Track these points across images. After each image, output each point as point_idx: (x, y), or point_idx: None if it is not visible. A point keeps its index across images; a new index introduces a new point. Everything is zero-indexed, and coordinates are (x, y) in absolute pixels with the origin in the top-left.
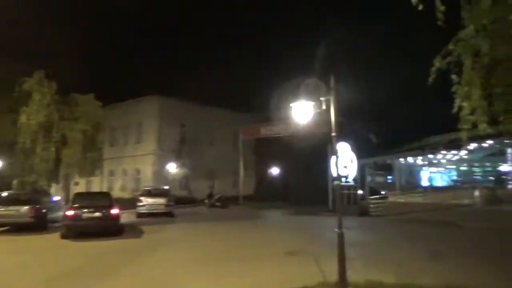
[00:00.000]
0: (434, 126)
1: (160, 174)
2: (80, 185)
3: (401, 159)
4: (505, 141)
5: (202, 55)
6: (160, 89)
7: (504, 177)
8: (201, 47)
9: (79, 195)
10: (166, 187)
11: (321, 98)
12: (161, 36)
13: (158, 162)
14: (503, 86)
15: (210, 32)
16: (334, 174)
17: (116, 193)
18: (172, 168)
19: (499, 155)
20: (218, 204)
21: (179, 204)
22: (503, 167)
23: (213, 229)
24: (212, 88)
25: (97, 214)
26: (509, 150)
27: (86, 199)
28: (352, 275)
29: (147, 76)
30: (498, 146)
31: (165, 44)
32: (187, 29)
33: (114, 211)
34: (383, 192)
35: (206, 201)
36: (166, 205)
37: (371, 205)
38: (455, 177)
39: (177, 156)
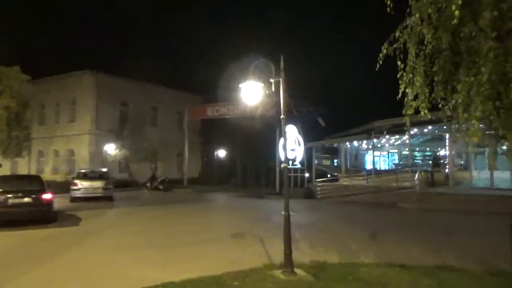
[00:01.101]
0: (380, 111)
1: (97, 155)
2: (4, 167)
3: (347, 143)
4: (444, 127)
5: (146, 31)
6: (97, 64)
7: (441, 161)
8: (145, 22)
9: (3, 179)
10: (104, 169)
11: (271, 80)
12: (100, 8)
13: (95, 143)
14: (443, 74)
15: (154, 5)
16: (282, 157)
17: (47, 176)
18: (110, 149)
19: (438, 140)
20: (161, 187)
21: (118, 188)
22: (441, 152)
23: (155, 213)
24: (157, 66)
25: (26, 199)
26: (447, 136)
27: (13, 183)
28: (297, 256)
29: (83, 51)
30: (437, 131)
31: (105, 17)
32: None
33: (46, 196)
34: (329, 175)
35: (148, 184)
36: (104, 189)
37: (318, 188)
38: (397, 161)
39: (117, 136)
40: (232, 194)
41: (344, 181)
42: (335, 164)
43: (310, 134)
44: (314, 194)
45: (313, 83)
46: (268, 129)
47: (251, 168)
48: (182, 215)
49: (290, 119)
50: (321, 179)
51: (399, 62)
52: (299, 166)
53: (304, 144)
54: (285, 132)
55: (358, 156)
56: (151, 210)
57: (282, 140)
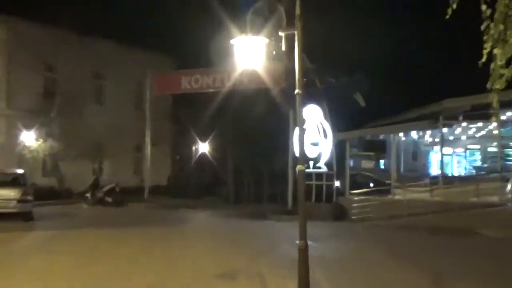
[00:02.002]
0: (451, 86)
1: (8, 148)
2: None
3: (401, 134)
4: None
5: None
6: (11, 6)
7: None
8: None
9: None
10: (20, 171)
11: (281, 33)
12: None
13: (6, 129)
14: None
15: None
16: (297, 155)
17: None
18: (30, 139)
19: None
20: (108, 200)
21: (42, 200)
22: None
23: (98, 241)
24: (105, 12)
25: None
26: None
27: None
28: None
29: None
30: None
31: None
32: None
33: None
34: (371, 185)
35: (88, 195)
36: (20, 201)
37: (353, 204)
38: (479, 163)
39: (40, 119)
40: (220, 212)
41: (396, 194)
42: (382, 166)
43: (342, 120)
44: (348, 214)
45: (348, 42)
46: (276, 112)
47: (249, 171)
48: (139, 245)
49: (311, 96)
50: (359, 191)
51: (483, 7)
52: (324, 169)
53: (333, 136)
54: (302, 117)
55: (417, 155)
56: (91, 236)
57: (297, 129)
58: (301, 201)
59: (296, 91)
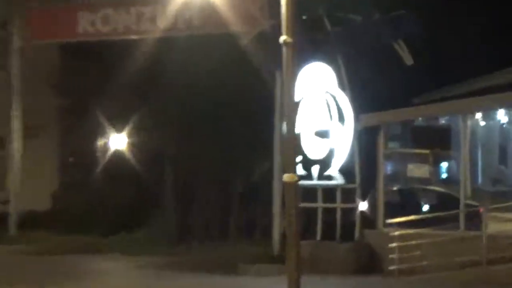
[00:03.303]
0: None
1: None
2: None
3: (479, 115)
4: None
5: None
6: None
7: None
8: None
9: None
10: None
11: None
12: None
13: None
14: None
15: None
16: (287, 156)
17: None
18: None
19: None
20: None
21: None
22: None
23: None
24: None
25: None
26: None
27: None
28: None
29: None
30: None
31: None
32: None
33: None
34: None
35: None
36: None
37: (392, 244)
38: None
39: None
40: (153, 260)
41: (471, 224)
42: (443, 172)
43: (372, 91)
44: (382, 261)
45: None
46: (252, 78)
47: (206, 185)
48: None
49: (315, 48)
50: (402, 219)
51: None
52: (339, 180)
53: (356, 120)
54: (294, 86)
55: (508, 154)
56: None
57: (287, 106)
58: (292, 239)
59: (283, 38)
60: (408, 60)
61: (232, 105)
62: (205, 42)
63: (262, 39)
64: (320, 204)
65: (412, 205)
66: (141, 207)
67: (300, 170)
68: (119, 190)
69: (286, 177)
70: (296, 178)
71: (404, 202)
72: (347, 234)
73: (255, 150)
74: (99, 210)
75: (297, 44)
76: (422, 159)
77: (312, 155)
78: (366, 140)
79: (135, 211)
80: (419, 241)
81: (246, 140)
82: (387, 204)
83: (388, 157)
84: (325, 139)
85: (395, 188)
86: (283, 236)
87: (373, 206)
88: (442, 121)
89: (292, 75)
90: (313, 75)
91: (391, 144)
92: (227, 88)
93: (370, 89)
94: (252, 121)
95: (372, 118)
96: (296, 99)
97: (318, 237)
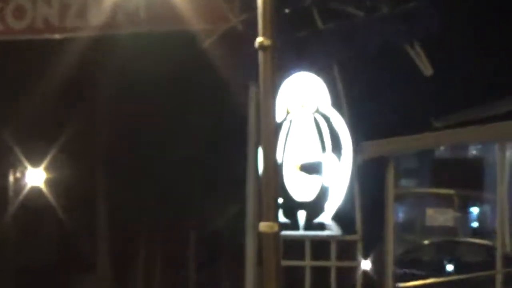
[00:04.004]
0: None
1: None
2: None
3: None
4: None
5: None
6: None
7: None
8: None
9: None
10: None
11: None
12: None
13: None
14: None
15: None
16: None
17: None
18: None
19: None
20: None
21: None
22: None
23: None
24: None
25: None
26: None
27: None
28: None
29: None
30: None
31: None
32: None
33: None
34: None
35: None
36: None
37: None
38: None
39: None
40: None
41: None
42: (473, 220)
43: (378, 110)
44: None
45: None
46: (217, 92)
47: (154, 237)
48: None
49: (301, 52)
50: (419, 283)
51: None
52: (334, 230)
53: (356, 149)
54: (274, 101)
55: None
56: None
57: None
58: None
59: (259, 40)
60: (427, 69)
61: (190, 127)
62: (155, 44)
63: (231, 41)
64: (308, 262)
65: (450, 263)
66: (63, 270)
67: (282, 216)
68: (33, 246)
69: (264, 225)
70: (276, 227)
71: (440, 259)
72: None
73: (221, 189)
74: (5, 272)
75: (278, 48)
76: (445, 202)
77: (298, 196)
78: (370, 177)
79: (55, 277)
80: None
81: (208, 175)
82: (418, 262)
83: (400, 199)
84: (315, 175)
85: (426, 242)
86: None
87: (379, 264)
88: (473, 151)
89: (271, 89)
90: (299, 88)
91: (404, 182)
92: (183, 104)
93: (375, 108)
94: (218, 149)
95: (378, 147)
96: (276, 120)
97: None
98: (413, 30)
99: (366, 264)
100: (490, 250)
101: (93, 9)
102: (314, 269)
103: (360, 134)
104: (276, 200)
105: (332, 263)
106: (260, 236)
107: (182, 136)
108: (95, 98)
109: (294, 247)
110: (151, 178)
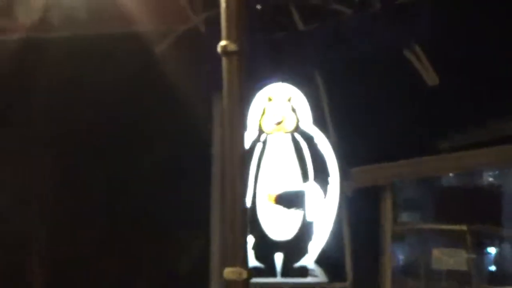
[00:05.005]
0: None
1: None
2: None
3: None
4: None
5: None
6: None
7: None
8: None
9: None
10: None
11: None
12: None
13: None
14: None
15: None
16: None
17: None
18: None
19: None
20: None
21: None
22: None
23: None
24: None
25: None
26: None
27: None
28: None
29: None
30: None
31: None
32: None
33: None
34: None
35: None
36: None
37: None
38: None
39: None
40: None
41: None
42: (490, 262)
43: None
44: None
45: None
46: (174, 109)
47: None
48: None
49: (275, 58)
50: None
51: None
52: (318, 278)
53: (344, 175)
54: (245, 120)
55: None
56: None
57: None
58: None
59: (223, 43)
60: (431, 78)
61: (138, 149)
62: (98, 49)
63: (192, 45)
64: None
65: None
66: None
67: (253, 259)
68: None
69: (230, 272)
70: (245, 274)
71: None
72: None
73: (178, 226)
74: None
75: (248, 53)
76: (455, 241)
77: (274, 234)
78: (362, 210)
79: None
80: None
81: (161, 209)
82: None
83: (400, 237)
84: (294, 208)
85: None
86: None
87: None
88: (488, 178)
89: (239, 103)
90: (275, 102)
91: (405, 217)
92: (130, 121)
93: (367, 127)
94: (173, 175)
95: (372, 174)
96: (247, 142)
97: None
98: (413, 29)
99: None
100: None
101: (21, 7)
102: None
103: (349, 157)
104: (245, 240)
105: None
106: (226, 284)
107: (130, 160)
108: (24, 115)
109: None
110: (95, 214)
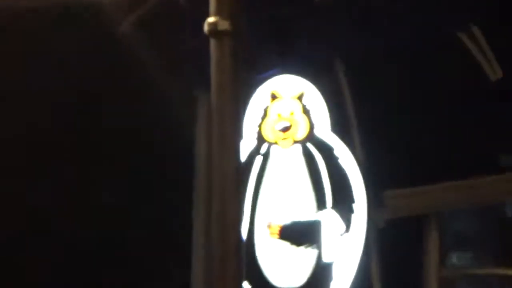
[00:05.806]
0: None
1: None
2: None
3: None
4: None
5: None
6: None
7: None
8: None
9: None
10: None
11: None
12: None
13: None
14: None
15: None
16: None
17: None
18: None
19: None
20: None
21: None
22: None
23: None
24: None
25: None
26: None
27: None
28: None
29: None
30: None
31: None
32: None
33: None
34: None
35: None
36: None
37: None
38: None
39: None
40: None
41: None
42: None
43: (411, 144)
44: None
45: None
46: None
47: None
48: None
49: (281, 42)
50: None
51: None
52: None
53: (375, 202)
54: (235, 123)
55: None
56: None
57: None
58: None
59: (211, 20)
60: (494, 70)
61: (103, 158)
62: (39, 28)
63: (165, 21)
64: None
65: None
66: None
67: None
68: None
69: None
70: None
71: None
72: None
73: (157, 263)
74: None
75: (245, 34)
76: None
77: (277, 280)
78: (397, 248)
79: None
80: None
81: (136, 240)
82: None
83: (449, 284)
84: (306, 245)
85: None
86: None
87: None
88: None
89: (232, 102)
90: (281, 102)
91: (455, 258)
92: (91, 125)
93: (406, 137)
94: (148, 196)
95: (412, 200)
96: (243, 154)
97: None
98: (471, 6)
99: None
100: None
101: None
102: None
103: (381, 177)
104: (239, 285)
105: None
106: None
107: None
108: None
109: None
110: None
